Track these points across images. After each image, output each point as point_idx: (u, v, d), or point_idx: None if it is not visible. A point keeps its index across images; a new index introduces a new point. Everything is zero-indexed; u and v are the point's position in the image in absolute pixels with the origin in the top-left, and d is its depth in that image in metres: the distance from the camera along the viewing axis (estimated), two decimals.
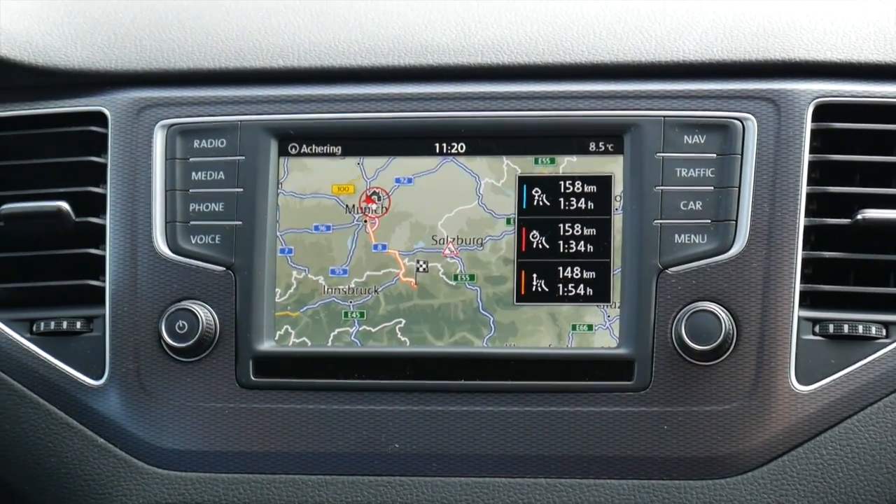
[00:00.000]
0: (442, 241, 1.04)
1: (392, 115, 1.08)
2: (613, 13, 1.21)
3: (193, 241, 1.06)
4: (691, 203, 1.02)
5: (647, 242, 1.02)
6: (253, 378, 1.04)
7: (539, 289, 1.04)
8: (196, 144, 1.08)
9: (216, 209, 1.07)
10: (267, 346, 1.05)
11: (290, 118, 1.09)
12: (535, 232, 1.05)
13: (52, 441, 1.08)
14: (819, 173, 1.02)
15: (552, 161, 1.04)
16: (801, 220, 1.00)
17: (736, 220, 1.01)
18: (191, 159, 1.08)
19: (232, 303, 1.05)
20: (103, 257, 1.06)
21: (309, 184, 1.07)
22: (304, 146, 1.08)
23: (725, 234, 1.01)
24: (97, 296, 1.06)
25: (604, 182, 1.04)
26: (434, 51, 1.13)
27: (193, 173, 1.07)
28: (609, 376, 1.01)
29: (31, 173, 1.11)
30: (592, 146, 1.04)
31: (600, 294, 1.02)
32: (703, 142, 1.03)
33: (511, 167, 1.05)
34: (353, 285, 1.05)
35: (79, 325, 1.07)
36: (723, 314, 0.98)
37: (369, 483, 1.05)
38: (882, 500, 0.98)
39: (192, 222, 1.07)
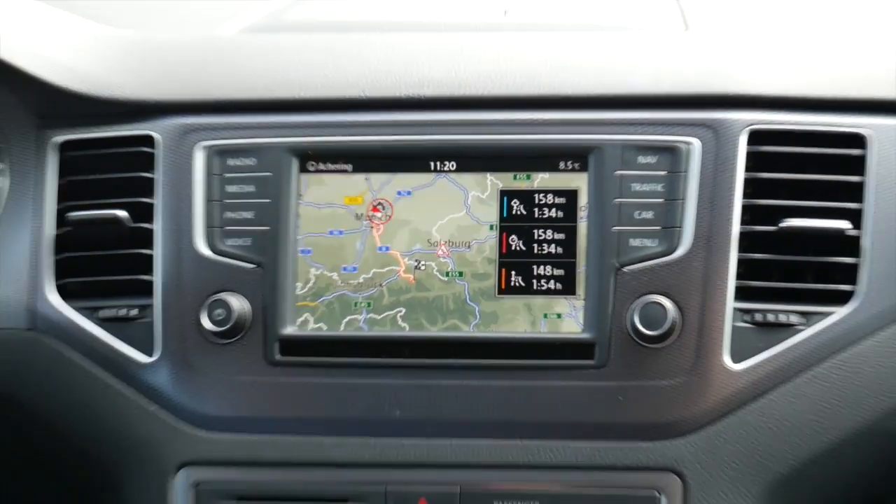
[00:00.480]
0: (436, 244, 1.12)
1: (394, 138, 1.15)
2: (580, 53, 1.28)
3: (228, 243, 1.13)
4: (644, 213, 1.09)
5: (606, 245, 1.09)
6: (279, 357, 1.12)
7: (517, 284, 1.11)
8: (230, 162, 1.16)
9: (247, 216, 1.14)
10: (290, 330, 1.12)
11: (309, 141, 1.16)
12: (513, 236, 1.12)
13: (113, 407, 1.15)
14: (751, 188, 1.10)
15: (528, 177, 1.12)
16: (736, 228, 1.08)
17: (681, 227, 1.08)
18: (226, 175, 1.15)
19: (261, 294, 1.12)
20: (153, 256, 1.15)
21: (324, 196, 1.15)
22: (321, 164, 1.16)
23: (672, 239, 1.08)
24: (148, 288, 1.14)
25: (571, 195, 1.11)
26: (429, 84, 1.19)
27: (228, 186, 1.15)
28: (574, 356, 1.08)
29: (95, 186, 1.18)
30: (562, 165, 1.11)
31: (568, 288, 1.10)
32: (654, 161, 1.10)
33: (494, 182, 1.13)
34: (361, 280, 1.13)
35: (134, 312, 1.15)
36: (669, 305, 1.05)
37: (375, 443, 1.12)
38: (796, 459, 1.04)
39: (227, 227, 1.14)
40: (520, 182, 1.12)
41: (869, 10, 1.45)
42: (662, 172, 1.10)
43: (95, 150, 1.20)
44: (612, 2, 1.57)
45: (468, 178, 1.13)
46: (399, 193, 1.14)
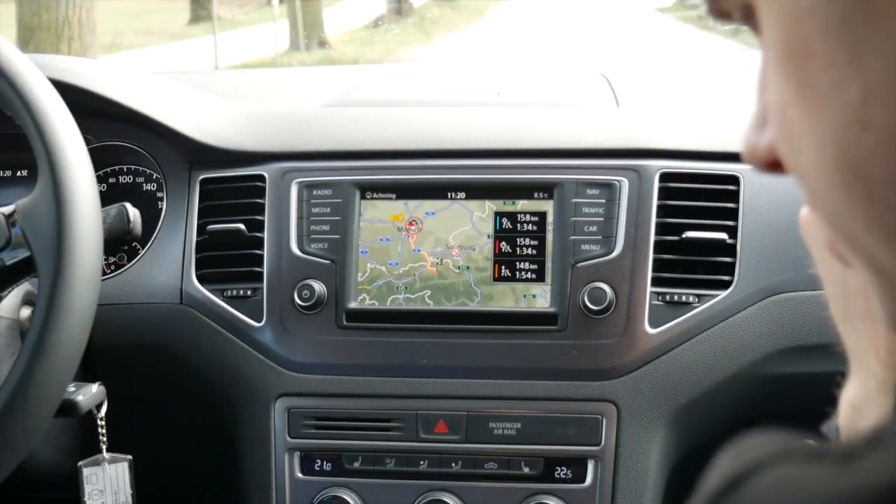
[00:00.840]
0: (451, 247, 1.26)
1: (424, 176, 1.30)
2: (549, 121, 1.40)
3: (312, 247, 1.27)
4: (590, 227, 1.23)
5: (565, 249, 1.23)
6: (345, 323, 1.25)
7: (505, 274, 1.25)
8: (314, 192, 1.29)
9: (325, 228, 1.28)
10: (353, 305, 1.26)
11: (367, 178, 1.30)
12: (503, 243, 1.25)
13: (234, 356, 1.28)
14: (662, 211, 1.23)
15: (513, 203, 1.26)
16: (651, 238, 1.22)
17: (615, 237, 1.22)
18: (311, 201, 1.29)
19: (334, 281, 1.25)
20: (262, 255, 1.28)
21: (377, 215, 1.29)
22: (374, 194, 1.29)
23: (609, 245, 1.22)
24: (259, 276, 1.28)
25: (542, 215, 1.25)
26: (447, 141, 1.34)
27: (312, 209, 1.28)
28: (544, 323, 1.22)
29: (224, 207, 1.32)
30: (536, 195, 1.26)
31: (540, 277, 1.24)
32: (597, 193, 1.24)
33: (490, 206, 1.27)
34: (401, 272, 1.27)
35: (248, 292, 1.28)
36: (608, 289, 1.19)
37: (409, 382, 1.24)
38: (692, 392, 1.17)
39: (311, 236, 1.28)
40: (508, 206, 1.27)
41: (747, 88, 1.66)
42: (603, 200, 1.24)
43: (225, 185, 1.34)
44: (570, 86, 1.69)
45: (473, 203, 1.28)
46: (427, 213, 1.28)
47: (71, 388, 1.07)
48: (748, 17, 0.45)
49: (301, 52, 16.01)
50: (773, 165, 0.48)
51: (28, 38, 7.61)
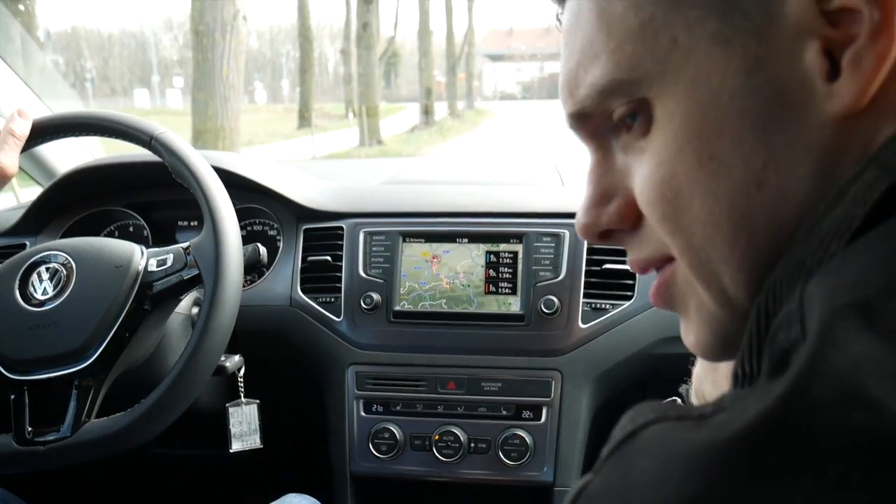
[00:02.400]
0: (458, 273, 1.20)
1: (441, 228, 1.23)
2: (520, 194, 1.33)
3: (372, 272, 1.21)
4: (545, 261, 1.18)
5: (530, 275, 1.17)
6: (392, 319, 1.19)
7: (492, 290, 1.19)
8: (373, 238, 1.23)
9: (380, 260, 1.21)
10: (397, 308, 1.19)
11: (406, 229, 1.23)
12: (491, 270, 1.19)
13: (323, 339, 1.22)
14: (590, 252, 1.18)
15: (497, 245, 1.20)
16: (583, 267, 1.16)
17: (561, 267, 1.16)
18: (371, 243, 1.23)
19: (385, 293, 1.19)
20: (341, 276, 1.22)
21: (412, 252, 1.22)
22: (411, 239, 1.23)
23: (557, 272, 1.16)
24: (339, 290, 1.22)
25: (515, 254, 1.19)
26: (455, 206, 1.27)
27: (372, 247, 1.22)
28: (516, 321, 1.17)
29: (318, 247, 1.25)
30: (512, 240, 1.20)
31: (514, 292, 1.18)
32: (550, 240, 1.18)
33: (483, 247, 1.21)
34: (427, 287, 1.20)
35: (332, 299, 1.22)
36: (556, 300, 1.14)
37: (432, 356, 1.18)
38: (607, 364, 1.12)
39: (371, 264, 1.21)
40: (494, 247, 1.21)
41: None
42: (553, 245, 1.18)
43: (319, 232, 1.28)
44: (533, 172, 1.61)
45: (472, 245, 1.22)
46: (444, 251, 1.22)
47: (222, 358, 1.06)
48: (632, 113, 0.40)
49: (365, 147, 16.03)
50: (606, 234, 0.44)
51: (198, 138, 7.60)
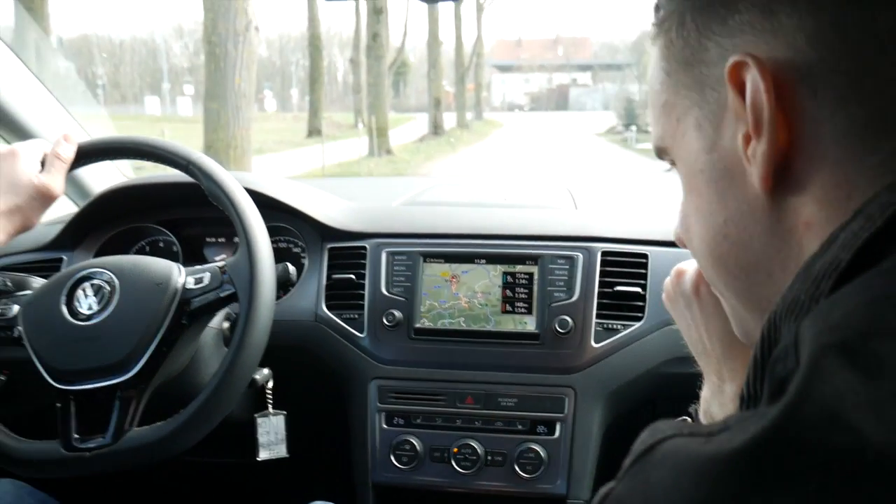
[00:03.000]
0: (476, 292, 1.22)
1: (461, 249, 1.25)
2: (537, 217, 1.35)
3: (394, 290, 1.22)
4: (560, 282, 1.19)
5: (545, 295, 1.18)
6: (413, 336, 1.21)
7: (508, 309, 1.20)
8: (395, 258, 1.25)
9: (402, 279, 1.23)
10: (418, 325, 1.21)
11: (427, 250, 1.25)
12: (508, 291, 1.21)
13: (347, 353, 1.23)
14: (602, 274, 1.19)
15: (514, 266, 1.22)
16: (596, 289, 1.18)
17: (574, 289, 1.18)
18: (393, 262, 1.25)
19: (407, 310, 1.21)
20: (364, 294, 1.24)
21: (433, 272, 1.24)
22: (431, 259, 1.24)
23: (571, 293, 1.17)
24: (362, 307, 1.23)
25: (531, 275, 1.21)
26: (476, 228, 1.29)
27: (394, 267, 1.24)
28: (531, 339, 1.18)
29: (342, 265, 1.27)
30: (527, 262, 1.21)
31: (529, 311, 1.20)
32: (564, 262, 1.20)
33: (500, 268, 1.22)
34: (446, 306, 1.22)
35: (356, 316, 1.23)
36: (570, 320, 1.16)
37: (451, 372, 1.19)
38: (618, 383, 1.13)
39: (393, 283, 1.23)
40: (510, 269, 1.22)
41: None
42: (567, 267, 1.20)
43: (343, 251, 1.30)
44: (547, 195, 1.63)
45: (490, 266, 1.23)
46: (462, 271, 1.24)
47: None
48: (673, 164, 0.52)
49: (374, 157, 16.08)
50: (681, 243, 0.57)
51: (209, 147, 7.68)
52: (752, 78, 0.40)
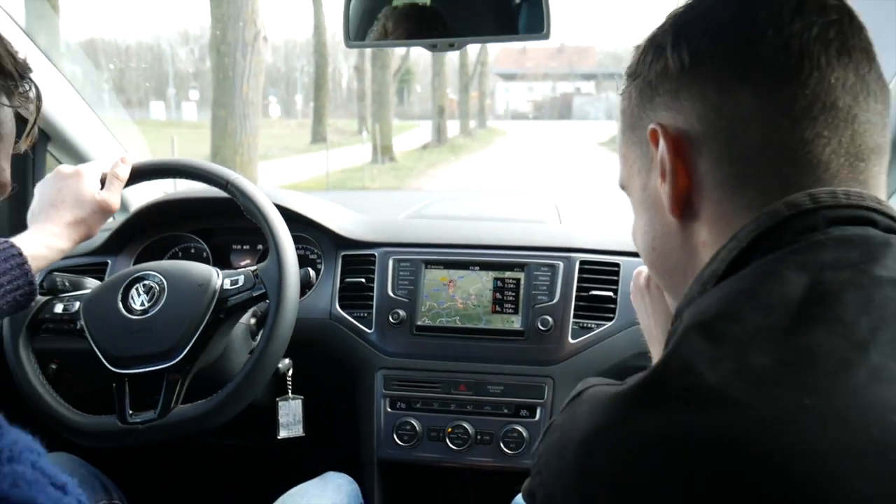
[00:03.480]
0: (471, 295, 1.31)
1: (458, 258, 1.34)
2: (525, 230, 1.45)
3: (398, 292, 1.32)
4: (543, 287, 1.29)
5: (529, 298, 1.28)
6: (415, 332, 1.31)
7: (497, 310, 1.30)
8: (401, 264, 1.34)
9: (406, 283, 1.33)
10: (420, 322, 1.31)
11: (428, 258, 1.34)
12: (497, 293, 1.31)
13: (357, 347, 1.33)
14: (580, 280, 1.29)
15: (503, 273, 1.32)
16: (574, 293, 1.27)
17: (555, 293, 1.28)
18: (399, 269, 1.34)
19: (410, 310, 1.31)
20: (373, 295, 1.33)
21: (433, 277, 1.33)
22: (432, 266, 1.34)
23: (552, 296, 1.27)
24: (371, 306, 1.33)
25: (518, 280, 1.31)
26: (471, 239, 1.38)
27: (399, 272, 1.34)
28: (517, 336, 1.28)
29: (354, 270, 1.36)
30: (515, 269, 1.31)
31: (516, 312, 1.30)
32: (547, 270, 1.30)
33: (491, 274, 1.32)
34: (444, 306, 1.31)
35: (365, 315, 1.33)
36: (550, 319, 1.26)
37: (447, 363, 1.29)
38: (593, 374, 1.16)
39: (398, 286, 1.33)
40: (500, 275, 1.32)
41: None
42: (549, 273, 1.30)
43: (355, 258, 1.39)
44: (535, 209, 1.73)
45: (483, 273, 1.33)
46: (459, 277, 1.33)
47: None
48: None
49: (378, 164, 16.21)
50: None
51: (216, 153, 7.79)
52: (661, 141, 0.54)
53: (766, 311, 0.44)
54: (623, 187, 0.64)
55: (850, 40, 0.51)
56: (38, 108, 0.64)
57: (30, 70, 0.61)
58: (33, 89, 0.61)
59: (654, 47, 0.56)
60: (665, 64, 0.54)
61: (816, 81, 0.50)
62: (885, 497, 0.36)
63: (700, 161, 0.53)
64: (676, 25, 0.55)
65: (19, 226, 1.26)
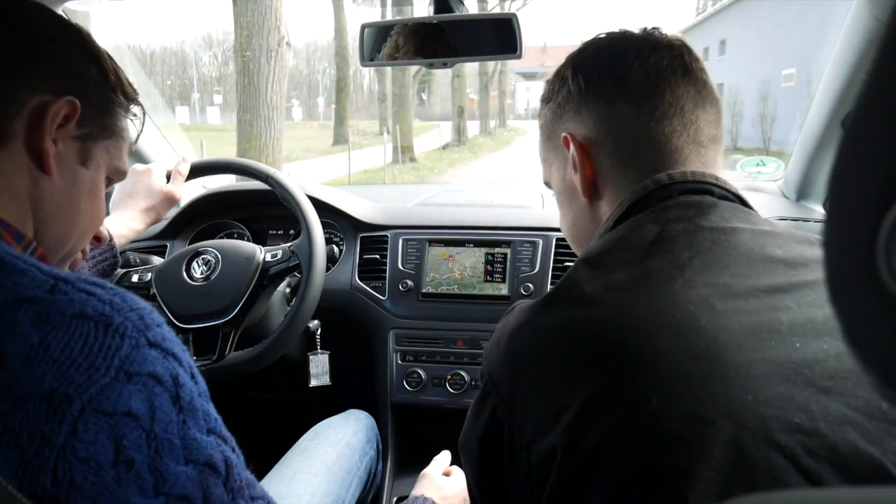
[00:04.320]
0: (466, 267, 1.46)
1: (456, 237, 1.49)
2: (512, 213, 1.57)
3: (407, 266, 1.48)
4: (525, 260, 1.43)
5: (514, 269, 1.43)
6: (420, 298, 1.46)
7: (489, 279, 1.45)
8: (409, 243, 1.50)
9: (413, 258, 1.48)
10: (425, 290, 1.46)
11: (431, 237, 1.49)
12: (488, 266, 1.45)
13: (373, 311, 1.49)
14: (556, 254, 1.42)
15: (493, 249, 1.46)
16: (551, 264, 1.42)
17: (536, 264, 1.42)
18: (407, 247, 1.50)
19: (416, 280, 1.46)
20: (386, 269, 1.49)
21: (435, 253, 1.48)
22: (434, 244, 1.49)
23: (533, 267, 1.42)
24: (384, 277, 1.48)
25: (505, 255, 1.45)
26: (467, 222, 1.52)
27: (408, 250, 1.49)
28: (504, 300, 1.43)
29: (370, 248, 1.52)
30: (502, 245, 1.46)
31: (503, 281, 1.44)
32: (529, 246, 1.42)
33: (483, 251, 1.46)
34: (444, 277, 1.46)
35: (380, 284, 1.48)
36: (531, 285, 1.41)
37: (447, 324, 1.42)
38: None
39: (406, 260, 1.46)
40: (490, 251, 1.47)
41: None
42: (531, 249, 1.45)
43: (371, 238, 1.54)
44: (523, 196, 1.79)
45: (476, 249, 1.48)
46: (456, 252, 1.48)
47: None
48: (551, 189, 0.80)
49: (399, 164, 16.41)
50: None
51: (242, 155, 8.08)
52: (571, 145, 0.70)
53: (628, 249, 0.60)
54: (546, 183, 0.80)
55: (690, 66, 0.69)
56: (143, 123, 0.76)
57: (138, 94, 0.72)
58: (140, 109, 0.73)
59: (560, 79, 0.74)
60: (568, 90, 0.72)
61: (669, 94, 0.67)
62: (676, 350, 0.50)
63: (599, 155, 0.69)
64: (574, 63, 0.73)
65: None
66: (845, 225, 0.22)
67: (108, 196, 1.56)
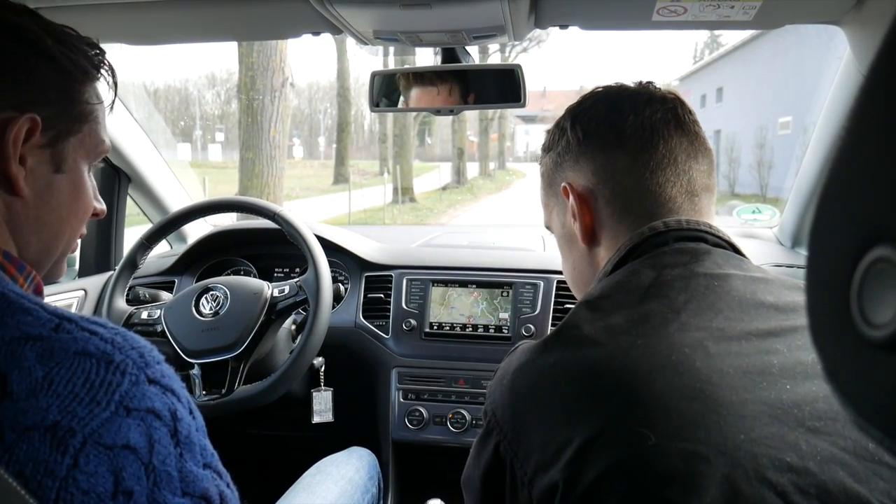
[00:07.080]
0: (468, 307, 1.47)
1: (458, 279, 1.50)
2: (515, 256, 1.59)
3: (410, 305, 1.49)
4: (527, 301, 1.45)
5: (516, 311, 1.44)
6: (423, 337, 1.48)
7: (491, 319, 1.45)
8: (413, 283, 1.51)
9: (416, 297, 1.50)
10: (427, 329, 1.48)
11: (435, 278, 1.50)
12: (490, 306, 1.46)
13: (376, 350, 1.47)
14: (557, 297, 1.42)
15: (494, 290, 1.47)
16: (552, 306, 1.43)
17: (537, 306, 1.43)
18: (411, 286, 1.51)
19: (419, 319, 1.47)
20: (390, 308, 1.50)
21: (438, 294, 1.49)
22: (438, 284, 1.50)
23: (534, 308, 1.43)
24: (388, 316, 1.50)
25: (507, 297, 1.47)
26: (470, 263, 1.54)
27: (412, 289, 1.51)
28: (506, 340, 1.45)
29: (375, 288, 1.52)
30: (504, 287, 1.47)
31: (505, 322, 1.45)
32: (530, 288, 1.46)
33: (485, 292, 1.47)
34: (448, 316, 1.47)
35: (383, 323, 1.50)
36: (533, 326, 1.43)
37: (449, 363, 1.42)
38: None
39: (410, 300, 1.49)
40: (493, 292, 1.48)
41: None
42: (532, 291, 1.46)
43: (375, 278, 1.56)
44: (525, 239, 1.81)
45: (479, 290, 1.50)
46: (459, 293, 1.50)
47: None
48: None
49: (399, 205, 16.49)
50: None
51: (244, 193, 8.12)
52: (570, 194, 0.72)
53: (626, 293, 0.61)
54: (547, 227, 0.82)
55: (683, 119, 0.72)
56: (115, 83, 0.67)
57: (98, 45, 0.64)
58: (102, 54, 0.64)
59: (559, 129, 0.77)
60: (567, 140, 0.75)
61: (663, 146, 0.70)
62: (672, 390, 0.51)
63: (596, 204, 0.72)
64: (573, 115, 0.76)
65: (105, 253, 1.59)
66: (823, 272, 0.23)
67: (108, 238, 1.59)
